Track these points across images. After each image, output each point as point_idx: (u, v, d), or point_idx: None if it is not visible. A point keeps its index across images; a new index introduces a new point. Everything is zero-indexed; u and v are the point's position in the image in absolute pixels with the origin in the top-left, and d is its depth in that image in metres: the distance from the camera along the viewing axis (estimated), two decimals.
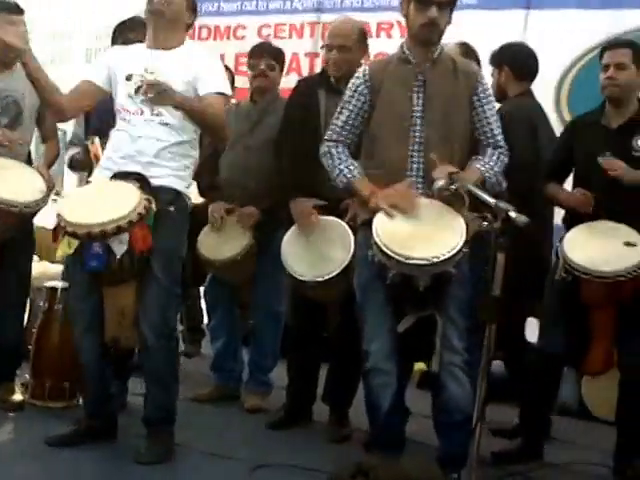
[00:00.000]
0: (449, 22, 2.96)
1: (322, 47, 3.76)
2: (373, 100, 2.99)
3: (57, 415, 3.52)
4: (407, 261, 2.69)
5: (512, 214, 2.34)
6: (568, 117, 5.19)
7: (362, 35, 3.64)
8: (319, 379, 3.79)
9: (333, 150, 3.03)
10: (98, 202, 2.98)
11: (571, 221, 3.43)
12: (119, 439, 3.27)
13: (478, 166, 2.93)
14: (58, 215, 2.99)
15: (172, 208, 3.05)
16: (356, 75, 3.05)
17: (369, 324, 2.92)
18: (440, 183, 2.76)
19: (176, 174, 3.08)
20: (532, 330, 4.13)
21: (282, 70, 4.10)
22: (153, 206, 2.97)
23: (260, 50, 4.06)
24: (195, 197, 4.05)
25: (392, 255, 2.71)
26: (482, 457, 3.28)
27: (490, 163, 2.96)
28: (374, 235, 2.78)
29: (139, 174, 3.04)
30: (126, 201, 2.92)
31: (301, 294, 3.56)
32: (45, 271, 4.53)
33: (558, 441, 3.71)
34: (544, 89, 5.52)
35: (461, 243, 2.71)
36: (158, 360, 3.08)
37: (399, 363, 2.92)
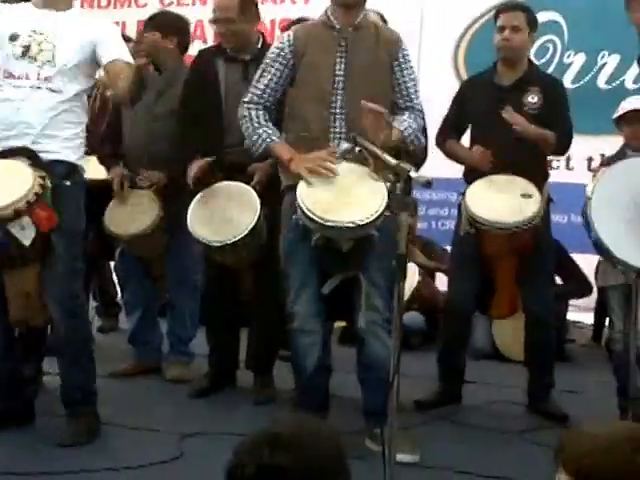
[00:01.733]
0: None
1: (209, 22, 3.71)
2: (296, 64, 2.95)
3: None
4: (329, 224, 2.69)
5: (413, 174, 2.35)
6: (466, 77, 5.30)
7: (246, 5, 3.51)
8: (240, 344, 3.75)
9: (253, 113, 2.98)
10: None
11: (471, 176, 3.50)
12: (40, 422, 3.12)
13: (397, 124, 2.91)
14: None
15: (68, 182, 2.86)
16: (280, 39, 3.01)
17: (294, 286, 2.91)
18: (344, 146, 2.76)
19: (68, 145, 2.88)
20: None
21: (175, 36, 3.89)
22: (48, 182, 2.76)
23: (147, 22, 3.91)
24: (98, 172, 3.91)
25: (315, 219, 2.70)
26: (406, 406, 3.38)
27: (409, 120, 2.95)
28: (298, 199, 2.76)
29: (28, 149, 2.81)
30: (19, 182, 2.69)
31: (213, 261, 3.51)
32: None
33: (475, 384, 3.79)
34: (442, 52, 5.65)
35: (382, 207, 2.70)
36: (69, 338, 2.94)
37: (323, 323, 2.93)
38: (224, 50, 3.56)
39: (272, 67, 2.97)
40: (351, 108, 2.86)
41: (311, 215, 2.71)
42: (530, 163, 3.36)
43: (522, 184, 3.32)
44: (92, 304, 4.90)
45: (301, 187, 2.79)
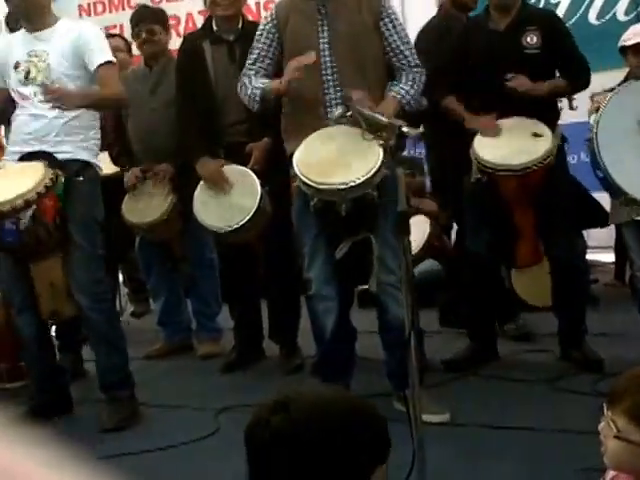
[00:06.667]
0: None
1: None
2: (281, 37, 2.90)
3: (14, 395, 3.36)
4: (323, 187, 2.62)
5: (405, 129, 2.28)
6: None
7: None
8: (262, 316, 3.70)
9: (246, 80, 2.96)
10: (5, 183, 2.88)
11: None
12: (82, 409, 3.12)
13: (393, 94, 2.82)
14: None
15: (81, 178, 2.96)
16: (265, 15, 2.96)
17: (307, 252, 2.84)
18: (338, 111, 2.68)
19: (82, 146, 3.00)
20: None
21: (166, 29, 3.94)
22: (61, 178, 2.89)
23: (138, 17, 3.89)
24: (109, 167, 3.89)
25: (310, 183, 2.64)
26: (434, 364, 3.29)
27: (405, 87, 2.85)
28: (294, 166, 2.71)
29: (44, 152, 2.93)
30: (31, 177, 2.85)
31: (224, 241, 3.47)
32: None
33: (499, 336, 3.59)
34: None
35: (376, 166, 2.60)
36: (98, 323, 2.97)
37: (340, 288, 2.84)
38: (210, 32, 3.51)
39: (259, 42, 2.95)
40: (341, 74, 2.79)
41: (305, 180, 2.65)
42: (537, 105, 3.12)
43: (531, 124, 3.11)
44: (124, 291, 4.92)
45: (297, 153, 2.74)
